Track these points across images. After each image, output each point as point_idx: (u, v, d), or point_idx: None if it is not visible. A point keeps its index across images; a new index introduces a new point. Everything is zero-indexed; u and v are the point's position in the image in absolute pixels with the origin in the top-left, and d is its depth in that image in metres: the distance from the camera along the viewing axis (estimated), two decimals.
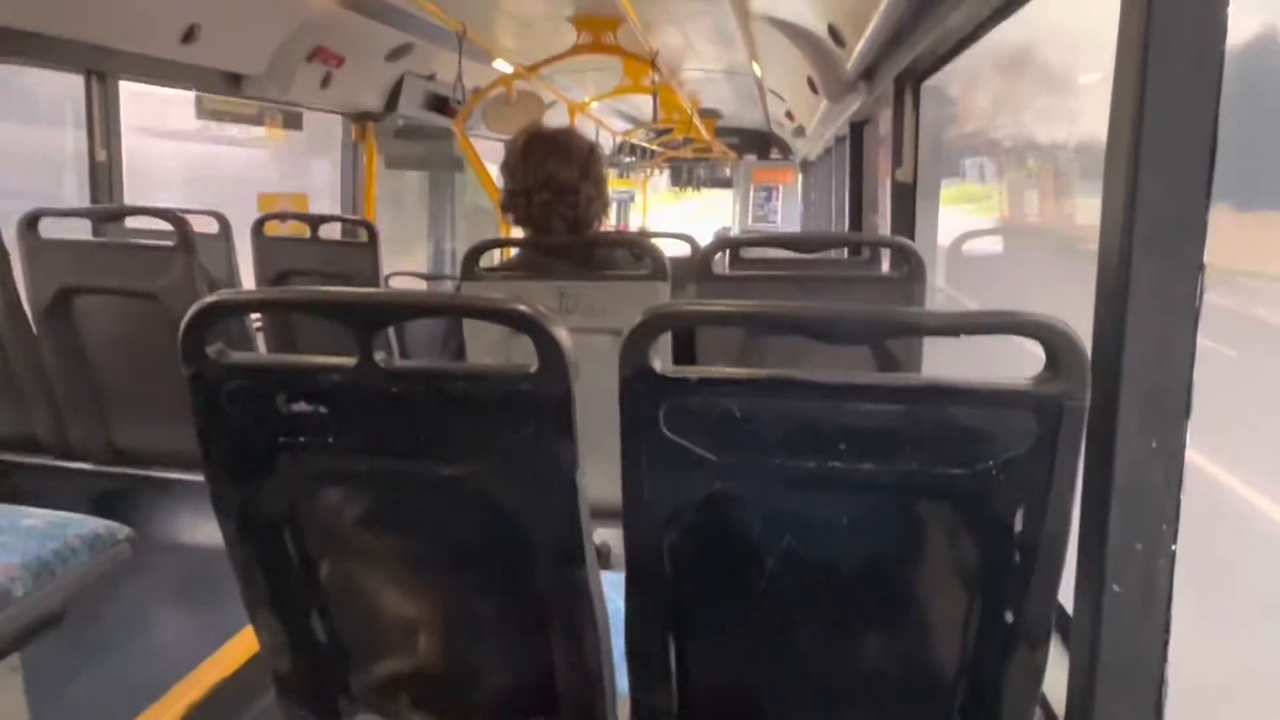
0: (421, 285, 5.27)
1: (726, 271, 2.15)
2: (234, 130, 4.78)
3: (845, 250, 3.45)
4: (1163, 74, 0.87)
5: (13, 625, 1.28)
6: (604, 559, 1.74)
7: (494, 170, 4.63)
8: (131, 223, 3.15)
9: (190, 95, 3.92)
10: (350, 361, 0.96)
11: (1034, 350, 0.85)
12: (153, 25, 3.03)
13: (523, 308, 0.92)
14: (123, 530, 1.45)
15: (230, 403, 1.00)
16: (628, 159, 10.43)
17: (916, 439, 0.87)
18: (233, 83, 3.66)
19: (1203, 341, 0.91)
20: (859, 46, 2.89)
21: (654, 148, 10.47)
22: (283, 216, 3.78)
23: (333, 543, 1.11)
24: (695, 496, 0.93)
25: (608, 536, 1.19)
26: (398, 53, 4.36)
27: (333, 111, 4.64)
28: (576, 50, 4.40)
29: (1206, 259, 0.90)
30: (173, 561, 2.19)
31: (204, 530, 1.14)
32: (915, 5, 2.32)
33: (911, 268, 1.96)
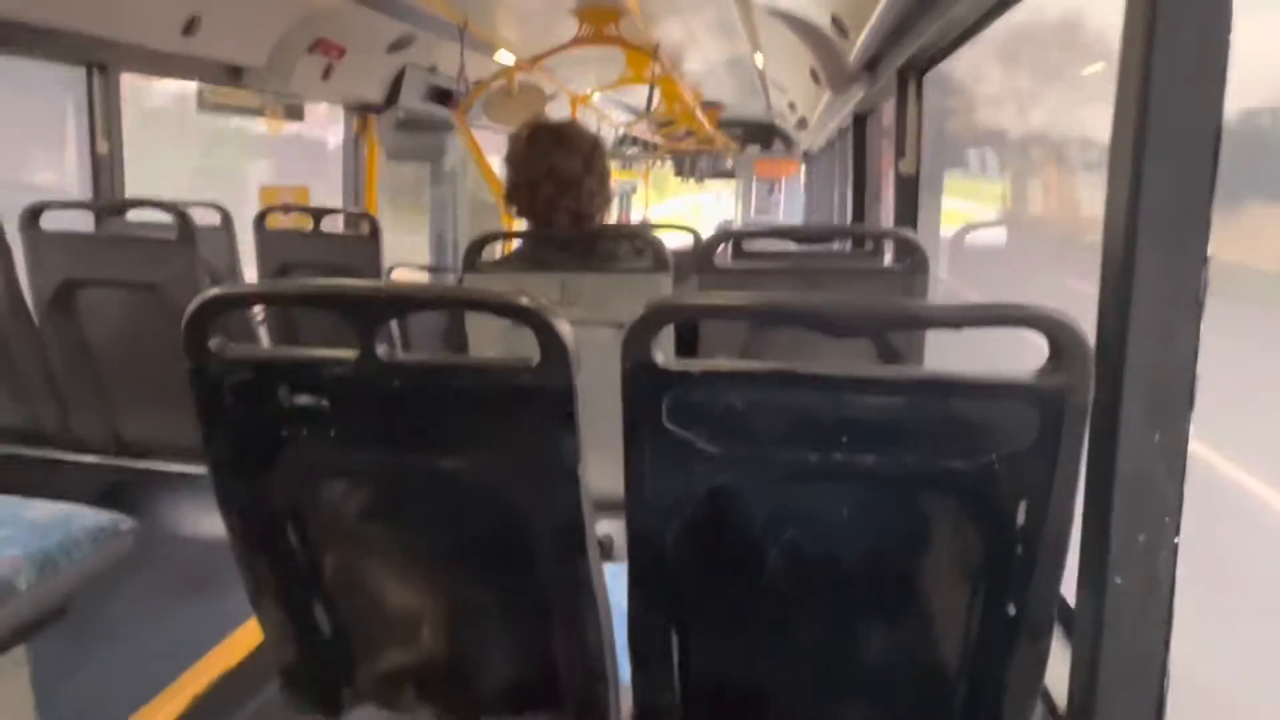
0: (424, 278, 5.27)
1: (729, 264, 2.15)
2: None
3: (848, 242, 3.44)
4: (1167, 64, 0.87)
5: (18, 618, 1.29)
6: (606, 551, 1.74)
7: (495, 162, 4.63)
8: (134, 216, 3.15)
9: None
10: (352, 355, 0.96)
11: (1038, 343, 0.85)
12: (153, 17, 3.03)
13: (525, 301, 0.92)
14: (127, 522, 1.46)
15: (232, 396, 1.00)
16: (630, 151, 10.41)
17: (919, 432, 0.87)
18: (234, 75, 3.65)
19: None
20: (862, 37, 2.88)
21: (656, 140, 10.44)
22: (285, 209, 3.79)
23: (336, 535, 1.11)
24: (697, 489, 0.93)
25: (610, 529, 1.19)
26: (399, 44, 4.34)
27: (334, 103, 4.63)
28: (578, 42, 4.39)
29: (1210, 251, 0.90)
30: (177, 553, 2.19)
31: (208, 522, 1.14)
32: None
33: (914, 260, 1.95)
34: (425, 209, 6.30)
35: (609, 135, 8.99)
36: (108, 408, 2.51)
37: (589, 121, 6.96)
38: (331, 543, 1.11)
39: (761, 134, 10.52)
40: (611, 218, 2.14)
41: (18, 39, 2.64)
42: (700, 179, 12.03)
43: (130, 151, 3.16)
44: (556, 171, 1.90)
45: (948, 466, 0.88)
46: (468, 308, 1.55)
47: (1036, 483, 0.86)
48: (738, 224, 10.77)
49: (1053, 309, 0.83)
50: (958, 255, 3.38)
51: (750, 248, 2.29)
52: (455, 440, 1.00)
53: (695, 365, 0.90)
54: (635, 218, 11.30)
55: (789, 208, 11.32)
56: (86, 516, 1.42)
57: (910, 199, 2.97)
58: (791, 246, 3.30)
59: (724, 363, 0.90)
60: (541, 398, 0.93)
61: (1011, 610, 0.91)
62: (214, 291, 0.99)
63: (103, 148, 3.08)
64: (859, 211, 4.46)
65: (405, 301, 1.06)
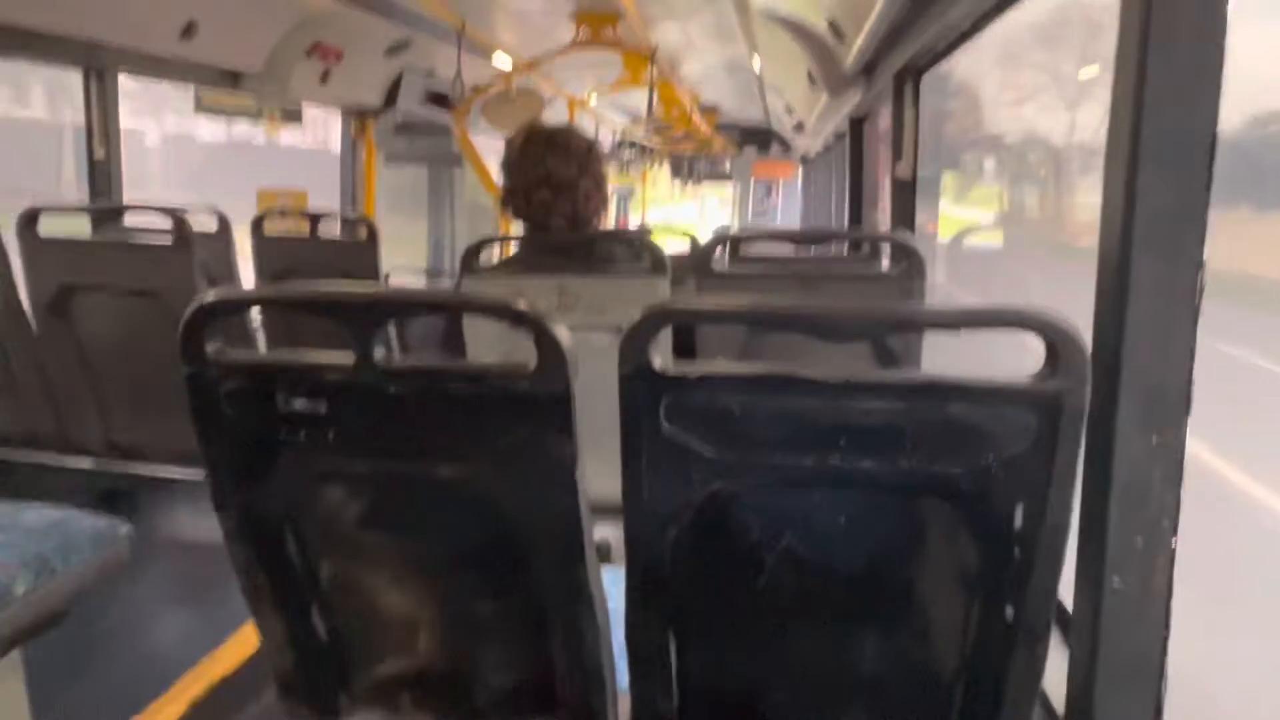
0: (421, 282, 5.27)
1: (726, 268, 2.15)
2: None
3: (845, 246, 3.44)
4: (1163, 68, 0.87)
5: (14, 623, 1.28)
6: (604, 556, 1.74)
7: (493, 166, 4.63)
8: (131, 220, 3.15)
9: None
10: (349, 359, 0.96)
11: (1034, 346, 0.85)
12: (151, 22, 3.02)
13: (522, 306, 0.92)
14: (123, 527, 1.45)
15: (229, 401, 1.00)
16: (627, 154, 10.42)
17: (916, 436, 0.87)
18: (231, 79, 3.65)
19: None
20: (859, 41, 2.88)
21: (653, 143, 10.46)
22: (282, 213, 3.78)
23: (333, 540, 1.11)
24: (695, 494, 0.93)
25: (608, 533, 1.18)
26: (396, 48, 4.34)
27: (332, 107, 4.63)
28: (576, 45, 4.39)
29: (1206, 255, 0.90)
30: (173, 558, 2.19)
31: (204, 527, 1.14)
32: (915, 0, 2.32)
33: (911, 264, 1.95)
34: (423, 213, 6.29)
35: (607, 139, 8.99)
36: (105, 413, 2.50)
37: (587, 125, 6.97)
38: (328, 548, 1.11)
39: (759, 137, 10.54)
40: (609, 222, 2.14)
41: (16, 43, 2.64)
42: (698, 181, 12.05)
43: None
44: (552, 176, 1.90)
45: (945, 470, 0.88)
46: (465, 312, 1.55)
47: (1034, 486, 0.86)
48: (734, 228, 10.77)
49: (1049, 312, 0.83)
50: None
51: (747, 252, 2.29)
52: (453, 445, 0.99)
53: (693, 369, 0.90)
54: (633, 222, 11.30)
55: (786, 211, 11.33)
56: (83, 521, 1.41)
57: (907, 203, 2.98)
58: (788, 250, 3.31)
59: (721, 367, 0.90)
60: (539, 402, 0.93)
61: (1009, 613, 0.91)
62: (211, 296, 0.98)
63: (100, 152, 3.08)
64: (856, 215, 4.46)
65: (402, 306, 1.06)
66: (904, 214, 2.98)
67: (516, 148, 1.95)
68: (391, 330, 0.98)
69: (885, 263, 2.48)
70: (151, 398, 2.30)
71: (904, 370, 0.89)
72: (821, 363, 0.87)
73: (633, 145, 10.27)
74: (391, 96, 4.68)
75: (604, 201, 2.00)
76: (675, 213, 13.37)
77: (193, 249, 2.28)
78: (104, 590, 1.46)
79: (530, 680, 1.12)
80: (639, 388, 0.90)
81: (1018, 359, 0.93)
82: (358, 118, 4.73)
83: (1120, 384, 0.92)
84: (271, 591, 1.11)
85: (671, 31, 4.79)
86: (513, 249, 2.08)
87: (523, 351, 0.93)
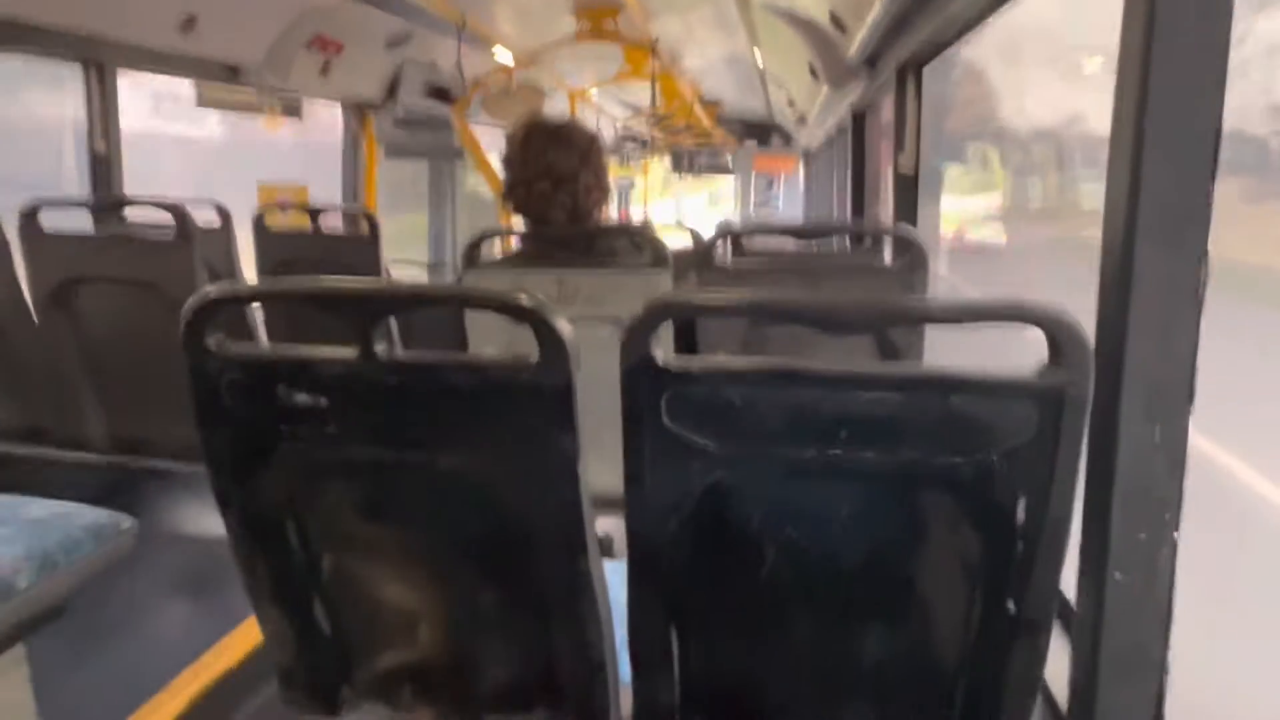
0: (422, 275, 5.27)
1: (728, 261, 2.14)
2: None
3: (848, 239, 3.44)
4: (1168, 60, 0.86)
5: (17, 616, 1.29)
6: (606, 549, 1.74)
7: (494, 159, 4.62)
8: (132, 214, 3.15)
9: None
10: (351, 353, 0.96)
11: (1036, 338, 0.85)
12: (150, 15, 3.02)
13: (524, 299, 0.92)
14: (126, 521, 1.46)
15: (231, 394, 1.00)
16: (629, 146, 10.40)
17: (918, 429, 0.87)
18: (231, 72, 3.64)
19: None
20: (861, 33, 2.87)
21: (655, 135, 10.43)
22: (283, 207, 3.78)
23: (335, 534, 1.11)
24: (697, 487, 0.93)
25: (610, 526, 1.19)
26: (397, 41, 4.33)
27: (332, 100, 4.62)
28: (577, 37, 4.38)
29: (1210, 247, 0.90)
30: (176, 552, 2.20)
31: (206, 521, 1.14)
32: None
33: (913, 256, 1.95)
34: (423, 206, 6.29)
35: (608, 132, 8.98)
36: (107, 406, 2.50)
37: (588, 117, 6.95)
38: (330, 541, 1.11)
39: (760, 130, 10.51)
40: (610, 215, 2.14)
41: (15, 36, 2.64)
42: (699, 174, 12.03)
43: None
44: (553, 168, 1.90)
45: (947, 463, 0.87)
46: (466, 306, 1.55)
47: (1036, 479, 0.86)
48: (736, 221, 10.75)
49: (1052, 305, 0.83)
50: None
51: (749, 245, 2.28)
52: (454, 438, 0.99)
53: (694, 363, 0.90)
54: (635, 215, 11.28)
55: (788, 204, 11.30)
56: (86, 515, 1.41)
57: (909, 195, 2.97)
58: (790, 244, 3.30)
59: (723, 360, 0.90)
60: (541, 395, 0.93)
61: (1011, 606, 0.91)
62: (212, 290, 0.98)
63: (100, 146, 3.08)
64: (858, 208, 4.45)
65: (404, 299, 1.06)
66: (906, 207, 2.98)
67: (517, 141, 1.95)
68: (393, 323, 0.98)
69: (888, 256, 2.48)
70: (153, 392, 2.30)
71: (906, 363, 0.89)
72: (823, 356, 0.87)
73: (634, 138, 10.26)
74: (392, 90, 4.68)
75: (605, 195, 2.00)
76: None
77: (194, 243, 2.28)
78: (107, 584, 1.46)
79: (532, 673, 1.13)
80: (641, 381, 0.90)
81: (1022, 353, 0.93)
82: (358, 111, 4.73)
83: (1123, 377, 0.92)
84: (273, 585, 1.12)
85: (672, 24, 4.77)
86: (514, 242, 2.07)
87: (524, 345, 0.93)
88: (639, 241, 1.97)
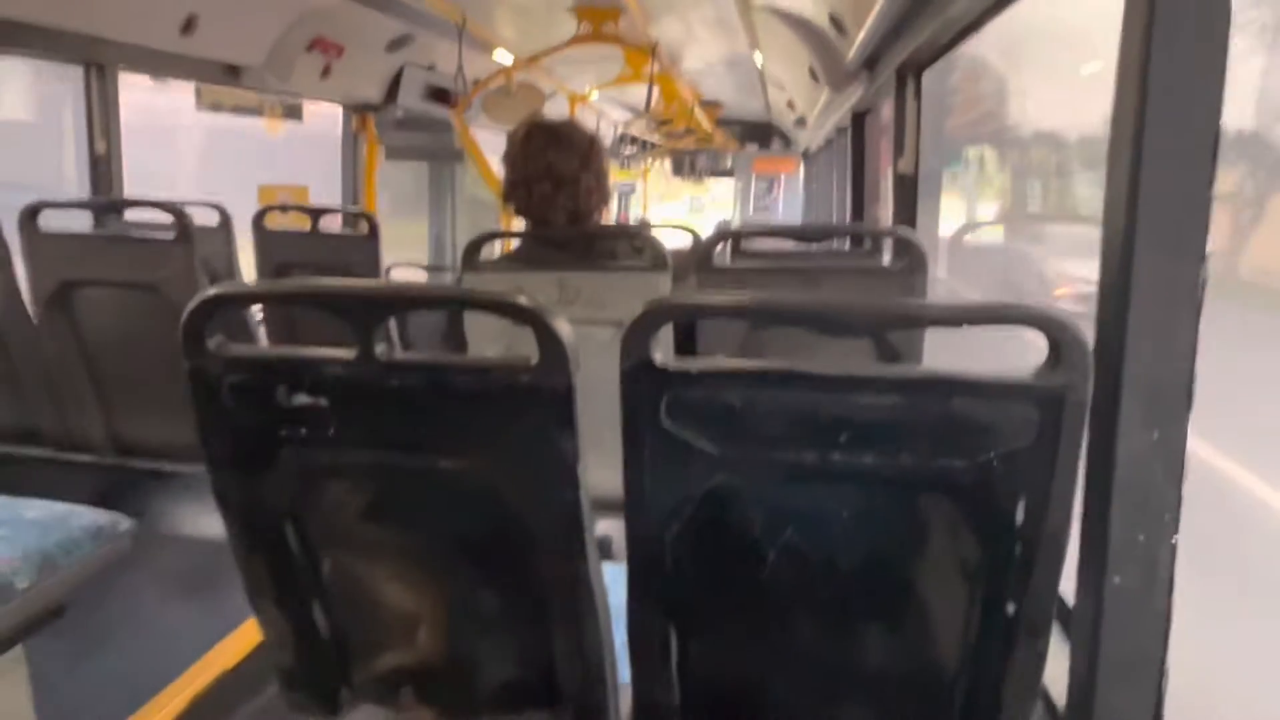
0: (422, 276, 5.27)
1: (728, 263, 2.15)
2: None
3: (847, 241, 3.44)
4: (1167, 63, 0.87)
5: (16, 617, 1.29)
6: (605, 551, 1.74)
7: (494, 161, 4.62)
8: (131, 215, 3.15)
9: None
10: (351, 354, 0.96)
11: (1036, 341, 0.85)
12: (151, 16, 3.02)
13: (524, 301, 0.92)
14: (125, 522, 1.46)
15: (231, 395, 1.00)
16: (629, 149, 10.40)
17: (918, 431, 0.87)
18: (232, 74, 3.64)
19: None
20: (861, 36, 2.87)
21: (655, 138, 10.44)
22: (283, 208, 3.78)
23: (334, 535, 1.11)
24: (696, 489, 0.93)
25: (609, 528, 1.19)
26: (397, 43, 4.34)
27: (333, 102, 4.62)
28: (577, 40, 4.38)
29: (1209, 250, 0.90)
30: (175, 553, 2.19)
31: (206, 522, 1.14)
32: None
33: (913, 259, 1.95)
34: (423, 208, 6.29)
35: (608, 134, 8.98)
36: (106, 408, 2.50)
37: (588, 120, 6.95)
38: (330, 542, 1.11)
39: (760, 132, 10.52)
40: (610, 217, 2.14)
41: (16, 37, 2.64)
42: (699, 177, 12.03)
43: None
44: (553, 170, 1.90)
45: (946, 466, 0.88)
46: (466, 307, 1.55)
47: (1035, 482, 0.86)
48: (736, 223, 10.75)
49: (1052, 307, 0.83)
50: None
51: (749, 247, 2.28)
52: (454, 440, 0.99)
53: (694, 364, 0.90)
54: (634, 217, 11.29)
55: (787, 207, 11.31)
56: (85, 516, 1.41)
57: (909, 197, 2.97)
58: (790, 245, 3.30)
59: (723, 362, 0.90)
60: (540, 397, 0.93)
61: (1010, 609, 0.91)
62: (212, 291, 0.98)
63: (100, 147, 3.08)
64: (858, 210, 4.46)
65: (404, 301, 1.06)
66: (906, 209, 2.98)
67: (518, 142, 1.95)
68: (392, 325, 0.98)
69: (887, 258, 2.48)
70: (153, 392, 2.30)
71: (906, 366, 0.89)
72: (822, 358, 0.87)
73: (634, 141, 10.26)
74: (392, 92, 4.68)
75: (605, 197, 2.00)
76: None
77: (194, 244, 2.28)
78: (106, 585, 1.46)
79: (531, 674, 1.13)
80: (640, 383, 0.90)
81: (1021, 356, 0.93)
82: (359, 113, 4.73)
83: (1122, 379, 0.92)
84: (273, 585, 1.12)
85: (672, 26, 4.78)
86: (514, 244, 2.08)
87: (524, 346, 0.93)
88: (638, 243, 1.97)
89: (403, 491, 1.07)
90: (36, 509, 1.41)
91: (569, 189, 1.91)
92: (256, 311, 3.18)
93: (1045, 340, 0.84)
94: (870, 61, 3.25)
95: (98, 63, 3.01)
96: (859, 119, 4.30)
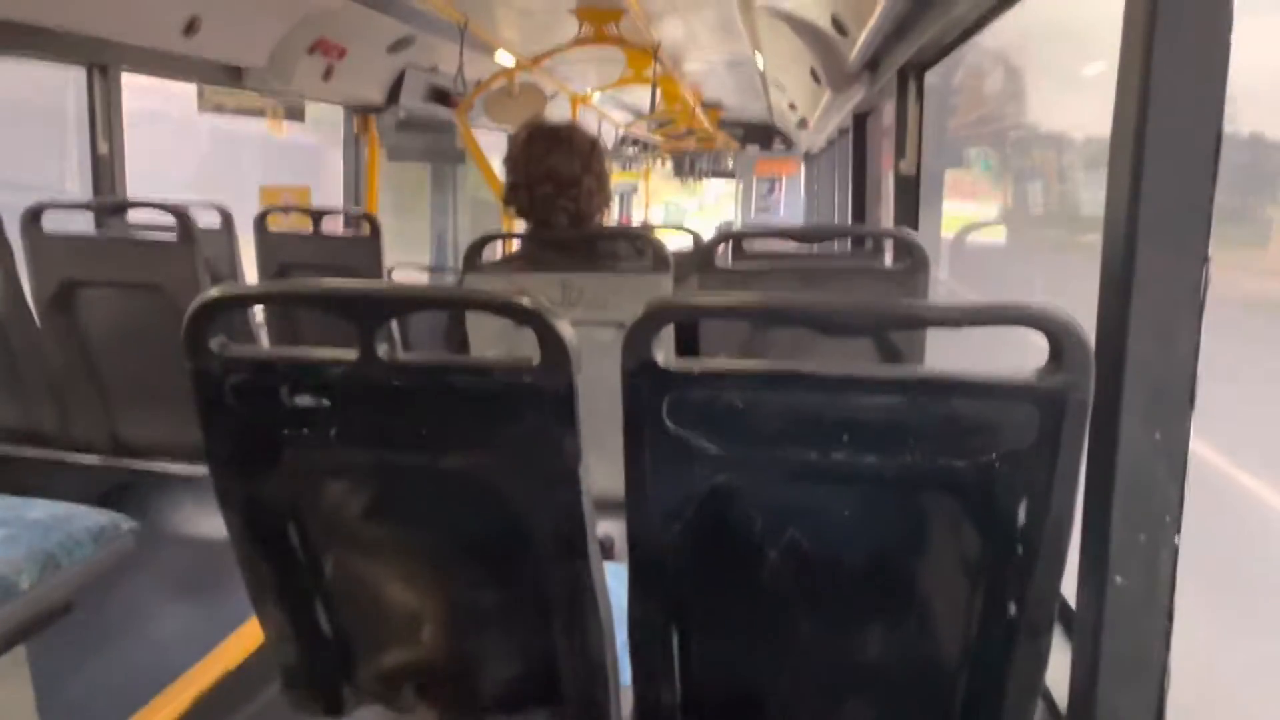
0: (424, 278, 5.27)
1: (729, 264, 2.15)
2: None
3: (849, 242, 3.44)
4: (1168, 62, 0.87)
5: (18, 617, 1.29)
6: (607, 551, 1.74)
7: (495, 162, 4.63)
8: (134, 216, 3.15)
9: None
10: (353, 355, 0.96)
11: (1037, 342, 0.85)
12: (154, 18, 3.03)
13: (525, 301, 0.92)
14: (127, 522, 1.46)
15: (233, 396, 1.00)
16: (630, 151, 10.42)
17: (919, 431, 0.87)
18: (234, 75, 3.65)
19: None
20: (862, 37, 2.88)
21: (656, 139, 10.45)
22: (285, 209, 3.79)
23: (336, 535, 1.11)
24: (698, 489, 0.93)
25: (610, 529, 1.19)
26: (399, 45, 4.35)
27: (335, 104, 4.63)
28: (578, 42, 4.39)
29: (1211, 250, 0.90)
30: (177, 553, 2.20)
31: (208, 522, 1.15)
32: None
33: (914, 260, 1.95)
34: (425, 209, 6.29)
35: (609, 135, 8.99)
36: (108, 408, 2.51)
37: (589, 122, 6.96)
38: (332, 542, 1.11)
39: (762, 134, 10.53)
40: (611, 219, 2.14)
41: (19, 39, 2.64)
42: (700, 178, 12.04)
43: None
44: (555, 172, 1.90)
45: (948, 466, 0.88)
46: (468, 308, 1.55)
47: (1037, 482, 0.86)
48: (737, 224, 10.76)
49: (1053, 308, 0.83)
50: None
51: (750, 248, 2.29)
52: (456, 440, 1.00)
53: (696, 365, 0.90)
54: (635, 219, 11.30)
55: (789, 208, 11.32)
56: (88, 516, 1.42)
57: (910, 199, 2.98)
58: (791, 247, 3.30)
59: (724, 362, 0.90)
60: (542, 398, 0.93)
61: (1012, 609, 0.91)
62: (215, 292, 0.99)
63: (103, 148, 3.08)
64: (859, 211, 4.46)
65: (405, 301, 1.06)
66: (907, 210, 2.98)
67: (520, 144, 1.95)
68: (394, 326, 0.98)
69: (888, 259, 2.48)
70: (155, 393, 2.31)
71: (907, 366, 0.89)
72: (824, 359, 0.87)
73: (635, 142, 10.28)
74: (394, 93, 4.69)
75: (606, 198, 2.00)
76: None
77: (196, 244, 2.29)
78: (108, 585, 1.46)
79: (533, 673, 1.13)
80: (642, 383, 0.90)
81: (1022, 356, 0.93)
82: (361, 114, 4.74)
83: (1124, 380, 0.92)
84: (275, 585, 1.12)
85: (674, 28, 4.78)
86: (515, 246, 2.08)
87: (525, 347, 0.93)
88: (640, 245, 1.98)
89: (405, 492, 1.08)
90: (39, 509, 1.41)
91: (570, 191, 1.91)
92: (259, 312, 3.19)
93: (1047, 340, 0.84)
94: (872, 63, 3.25)
95: (100, 64, 3.02)
96: (860, 120, 4.30)
